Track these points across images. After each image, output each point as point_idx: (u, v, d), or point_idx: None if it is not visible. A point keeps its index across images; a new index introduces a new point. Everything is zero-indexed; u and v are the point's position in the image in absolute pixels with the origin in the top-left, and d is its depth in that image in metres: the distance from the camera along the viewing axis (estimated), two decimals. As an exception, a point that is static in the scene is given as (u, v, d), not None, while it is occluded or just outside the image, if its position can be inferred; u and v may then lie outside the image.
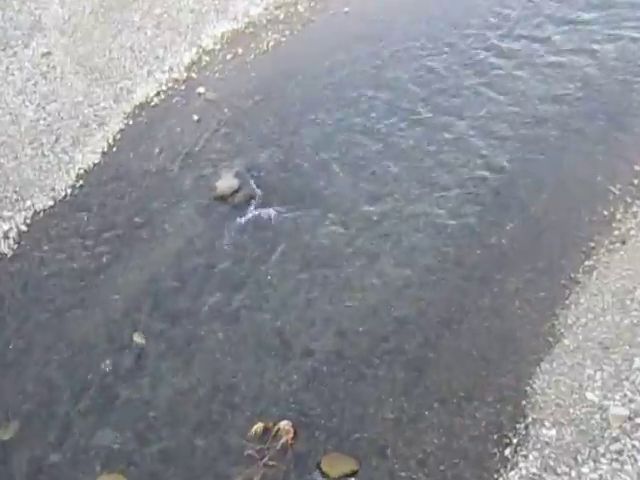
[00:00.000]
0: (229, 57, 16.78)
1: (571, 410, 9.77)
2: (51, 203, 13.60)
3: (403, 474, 9.54)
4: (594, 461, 9.08)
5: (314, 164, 13.89)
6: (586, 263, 11.61)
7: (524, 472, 9.29)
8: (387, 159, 13.74)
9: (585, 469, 9.06)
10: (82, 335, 11.51)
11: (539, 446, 9.47)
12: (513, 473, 9.34)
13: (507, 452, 9.59)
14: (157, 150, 14.63)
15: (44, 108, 15.25)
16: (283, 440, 9.93)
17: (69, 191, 13.82)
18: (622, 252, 11.59)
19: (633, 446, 9.04)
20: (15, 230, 13.12)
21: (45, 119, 15.06)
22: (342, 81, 15.71)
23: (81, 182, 13.99)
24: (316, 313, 11.45)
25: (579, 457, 9.21)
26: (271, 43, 17.07)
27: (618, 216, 12.18)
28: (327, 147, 14.18)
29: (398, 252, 12.15)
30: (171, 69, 16.33)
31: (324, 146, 14.21)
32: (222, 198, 13.42)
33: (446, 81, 15.28)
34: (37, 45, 16.61)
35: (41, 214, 13.41)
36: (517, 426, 9.82)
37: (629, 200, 12.42)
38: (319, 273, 11.97)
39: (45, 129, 14.84)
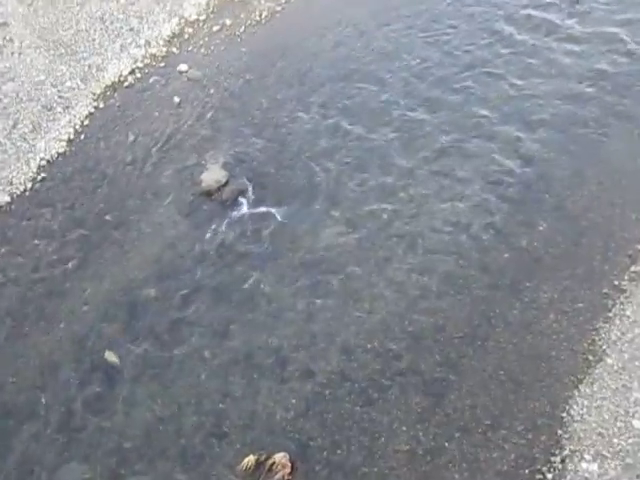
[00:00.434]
0: (216, 29, 16.79)
1: (615, 440, 9.74)
2: (8, 199, 13.58)
3: (419, 516, 9.59)
4: (643, 501, 9.09)
5: (315, 154, 13.88)
6: (632, 269, 11.58)
7: (561, 514, 9.30)
8: (400, 148, 13.73)
9: (632, 510, 9.07)
10: (45, 353, 11.47)
11: (578, 483, 9.51)
12: (548, 515, 9.36)
13: (541, 490, 9.63)
14: (132, 138, 14.61)
15: None
16: (279, 475, 9.91)
17: (29, 185, 13.81)
18: (674, 256, 11.65)
19: (688, 483, 9.06)
20: (-34, 230, 13.18)
21: (0, 101, 15.08)
22: (348, 58, 15.70)
23: (43, 174, 13.98)
24: (317, 327, 11.43)
25: (625, 496, 9.22)
26: (264, 13, 17.07)
27: (670, 214, 12.25)
28: (330, 134, 14.17)
29: (412, 256, 12.14)
30: (148, 43, 16.32)
31: (327, 133, 14.20)
32: (208, 193, 13.42)
33: (464, 56, 15.31)
34: (-9, 15, 16.70)
35: (-4, 212, 13.51)
36: (552, 459, 9.79)
37: (683, 195, 12.49)
38: (321, 280, 11.96)
39: (0, 112, 14.86)
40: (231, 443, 10.35)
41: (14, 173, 13.93)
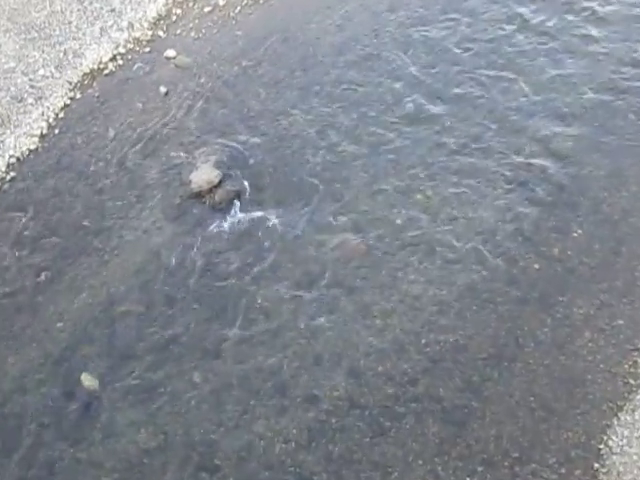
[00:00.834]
0: (207, 10, 16.85)
1: (660, 476, 9.77)
2: (-27, 202, 13.72)
3: None
4: None
5: (319, 150, 13.94)
6: (679, 281, 11.65)
7: None
8: (415, 144, 13.78)
9: None
10: (14, 376, 11.52)
11: (618, 524, 9.53)
12: None
13: (576, 532, 9.64)
14: (113, 132, 14.69)
15: (-36, 77, 15.43)
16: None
17: (-3, 186, 13.99)
18: None
19: None
20: None
21: (-34, 91, 15.20)
22: (355, 42, 15.74)
23: (13, 174, 14.05)
24: (322, 347, 11.47)
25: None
26: (262, -9, 17.17)
27: None
28: (336, 128, 14.23)
29: (430, 267, 12.18)
30: (131, 26, 16.41)
31: (332, 127, 14.26)
32: (198, 195, 13.48)
33: (486, 41, 15.34)
34: (-45, -6, 16.78)
35: (-40, 216, 13.56)
36: (588, 497, 9.87)
37: None
38: (326, 295, 12.01)
39: (-35, 104, 15.00)
40: (224, 478, 10.37)
41: (-20, 173, 14.06)
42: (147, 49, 16.14)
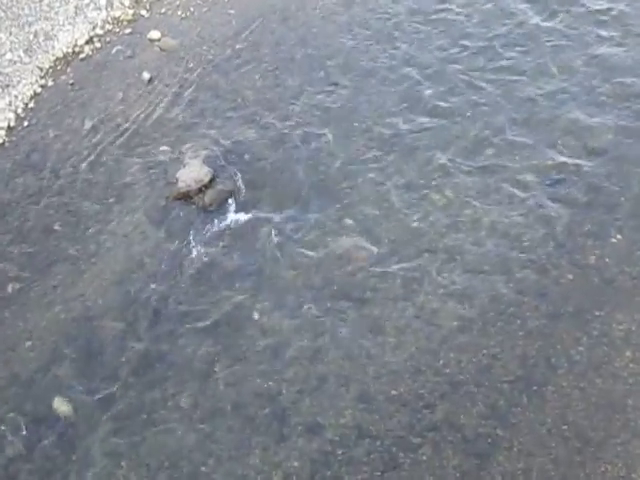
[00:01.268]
0: (196, -15, 16.94)
1: None
2: None
3: None
4: None
5: (323, 144, 13.96)
6: None
7: None
8: (431, 138, 13.79)
9: None
10: (-23, 401, 11.59)
11: None
12: None
13: None
14: (89, 124, 14.71)
15: None
16: None
17: (-42, 185, 13.99)
18: None
19: None
20: None
21: None
22: (365, 22, 15.77)
23: (-24, 172, 14.16)
24: (327, 368, 11.47)
25: None
26: (258, -36, 17.19)
27: None
28: (342, 120, 14.25)
29: (449, 276, 12.17)
30: (110, 4, 16.44)
31: (337, 118, 14.28)
32: (186, 196, 13.49)
33: (512, 15, 15.38)
34: None
35: None
36: (630, 539, 9.85)
37: None
38: (332, 308, 12.00)
39: None
40: (216, 517, 10.43)
41: (-61, 170, 14.08)
42: (128, 30, 16.19)
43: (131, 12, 16.44)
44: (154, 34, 16.04)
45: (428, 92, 14.42)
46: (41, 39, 15.72)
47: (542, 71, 14.51)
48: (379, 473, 10.54)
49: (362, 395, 11.17)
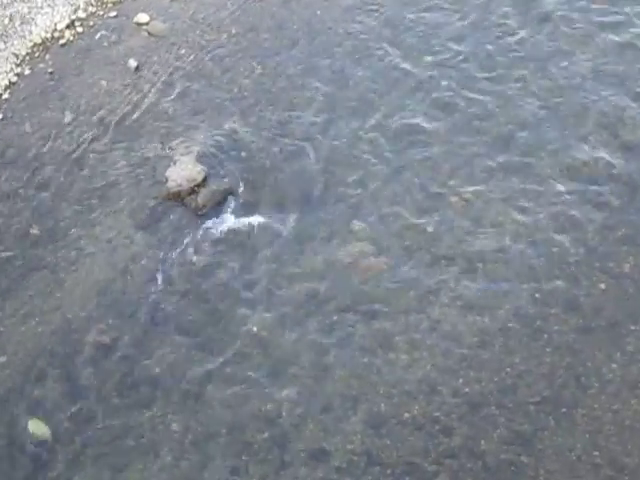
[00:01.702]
0: (188, -37, 16.99)
1: None
2: None
3: None
4: None
5: (329, 139, 14.02)
6: None
7: None
8: (449, 134, 13.86)
9: None
10: (-55, 423, 11.63)
11: None
12: None
13: None
14: (70, 117, 14.79)
15: None
16: None
17: None
18: None
19: None
20: None
21: None
22: (373, 3, 15.83)
23: (-55, 170, 14.23)
24: (333, 387, 11.50)
25: None
26: (257, -60, 17.23)
27: None
28: (349, 113, 14.32)
29: (468, 287, 12.22)
30: (93, -17, 16.58)
31: (344, 111, 14.35)
32: (177, 196, 13.55)
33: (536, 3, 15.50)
34: None
35: None
36: None
37: None
38: (338, 321, 12.05)
39: None
40: None
41: None
42: (113, 13, 16.30)
43: (116, -7, 16.43)
44: (142, 17, 16.11)
45: (445, 82, 14.50)
46: (17, 23, 15.81)
47: (569, 57, 14.60)
48: (390, 504, 10.65)
49: (372, 418, 11.21)
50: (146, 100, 14.88)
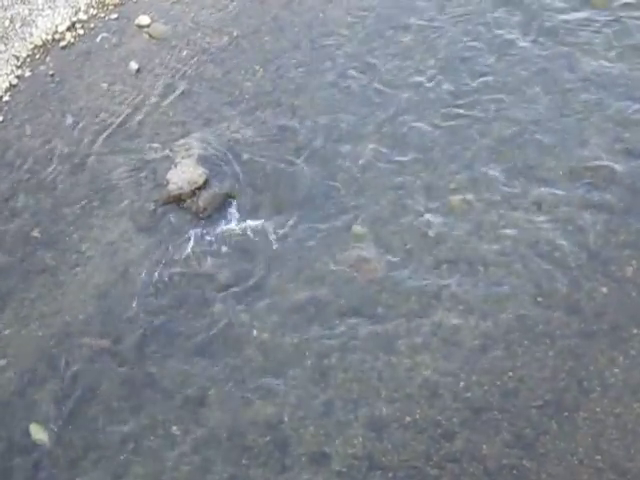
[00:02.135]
0: (190, -35, 17.00)
1: None
2: None
3: None
4: None
5: (331, 143, 14.04)
6: None
7: None
8: (451, 135, 13.86)
9: None
10: (-55, 427, 11.67)
11: None
12: None
13: None
14: (70, 120, 14.82)
15: None
16: None
17: None
18: None
19: None
20: None
21: None
22: (377, 5, 15.83)
23: (-55, 173, 14.24)
24: (333, 391, 11.52)
25: None
26: (259, -58, 17.24)
27: None
28: (351, 116, 14.33)
29: (471, 290, 12.23)
30: (94, -14, 16.59)
31: (346, 114, 14.37)
32: (177, 199, 13.57)
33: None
34: None
35: None
36: None
37: None
38: (340, 325, 12.06)
39: None
40: None
41: None
42: (114, 15, 16.31)
43: (117, -6, 16.44)
44: (143, 19, 16.12)
45: (446, 86, 14.50)
46: (17, 25, 15.83)
47: (570, 61, 14.58)
48: (392, 508, 10.66)
49: (373, 422, 11.22)
50: (147, 102, 14.89)
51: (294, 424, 11.30)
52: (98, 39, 15.93)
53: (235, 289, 12.55)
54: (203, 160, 13.93)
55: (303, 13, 15.97)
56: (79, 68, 15.50)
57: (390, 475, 10.81)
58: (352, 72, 14.92)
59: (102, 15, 16.24)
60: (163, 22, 16.11)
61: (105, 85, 15.25)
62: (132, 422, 11.52)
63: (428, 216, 12.99)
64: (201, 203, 13.45)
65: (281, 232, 13.05)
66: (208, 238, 13.16)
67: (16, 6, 16.09)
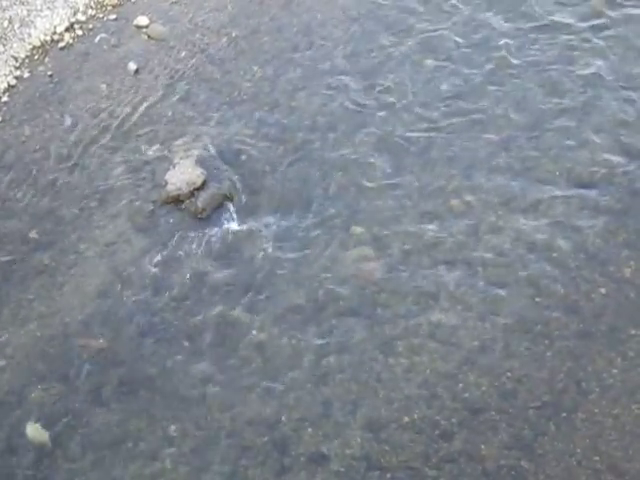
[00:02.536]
0: (188, -34, 17.00)
1: None
2: None
3: None
4: None
5: (329, 143, 14.05)
6: None
7: None
8: (450, 136, 13.87)
9: None
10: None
11: None
12: None
13: None
14: (69, 121, 14.81)
15: None
16: None
17: None
18: None
19: None
20: None
21: None
22: (375, 6, 15.82)
23: (-57, 173, 14.24)
24: (332, 392, 11.53)
25: None
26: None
27: None
28: (349, 116, 14.34)
29: (468, 291, 12.25)
30: (93, -14, 16.59)
31: (345, 114, 14.38)
32: (176, 200, 13.58)
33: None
34: None
35: None
36: None
37: None
38: (337, 325, 12.08)
39: None
40: None
41: None
42: (113, 16, 16.30)
43: (116, -5, 16.43)
44: (142, 20, 16.12)
45: (445, 87, 14.53)
46: (16, 26, 15.81)
47: (569, 61, 14.59)
48: (390, 508, 10.67)
49: (371, 422, 11.23)
50: (146, 103, 14.89)
51: (292, 424, 11.30)
52: (97, 40, 15.92)
53: (233, 290, 12.56)
54: (201, 161, 13.93)
55: (301, 14, 15.97)
56: (78, 69, 15.49)
57: (388, 476, 10.82)
58: (350, 73, 14.93)
59: (101, 16, 16.23)
60: (162, 23, 16.10)
61: (104, 86, 15.24)
62: (130, 423, 11.51)
63: (426, 217, 13.02)
64: (199, 204, 13.46)
65: (279, 233, 13.06)
66: (206, 239, 13.15)
67: (15, 7, 16.05)
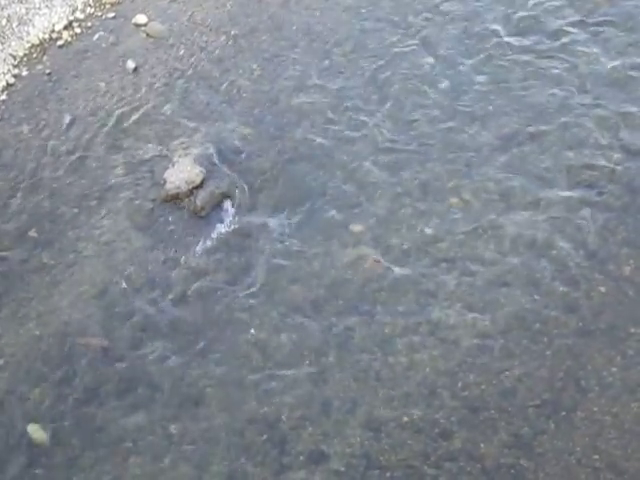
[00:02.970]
0: (187, -36, 17.01)
1: None
2: None
3: None
4: None
5: (329, 141, 14.06)
6: None
7: None
8: (449, 134, 13.88)
9: None
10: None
11: None
12: None
13: None
14: (68, 119, 14.83)
15: None
16: None
17: None
18: None
19: None
20: None
21: None
22: (376, 4, 15.86)
23: (-58, 172, 14.25)
24: (331, 391, 11.54)
25: None
26: (257, -61, 17.25)
27: None
28: (350, 114, 14.35)
29: (468, 289, 12.25)
30: (91, -16, 16.59)
31: (345, 112, 14.39)
32: (175, 198, 13.60)
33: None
34: None
35: None
36: None
37: None
38: (336, 324, 12.08)
39: None
40: None
41: None
42: (111, 14, 16.35)
43: (115, -7, 16.43)
44: (140, 18, 16.15)
45: (444, 85, 14.51)
46: (14, 24, 15.84)
47: (568, 59, 14.62)
48: (389, 507, 10.67)
49: (371, 421, 11.24)
50: (144, 101, 14.92)
51: (292, 423, 11.31)
52: (95, 38, 15.96)
53: (232, 288, 12.57)
54: (200, 159, 13.95)
55: (301, 12, 16.00)
56: (76, 67, 15.52)
57: (388, 474, 10.81)
58: (350, 71, 14.95)
59: (99, 14, 16.27)
60: (160, 21, 16.14)
61: (102, 84, 15.27)
62: (130, 421, 11.52)
63: (425, 215, 13.03)
64: (199, 202, 13.48)
65: (278, 231, 13.08)
66: (205, 237, 13.18)
67: (13, 5, 16.09)
